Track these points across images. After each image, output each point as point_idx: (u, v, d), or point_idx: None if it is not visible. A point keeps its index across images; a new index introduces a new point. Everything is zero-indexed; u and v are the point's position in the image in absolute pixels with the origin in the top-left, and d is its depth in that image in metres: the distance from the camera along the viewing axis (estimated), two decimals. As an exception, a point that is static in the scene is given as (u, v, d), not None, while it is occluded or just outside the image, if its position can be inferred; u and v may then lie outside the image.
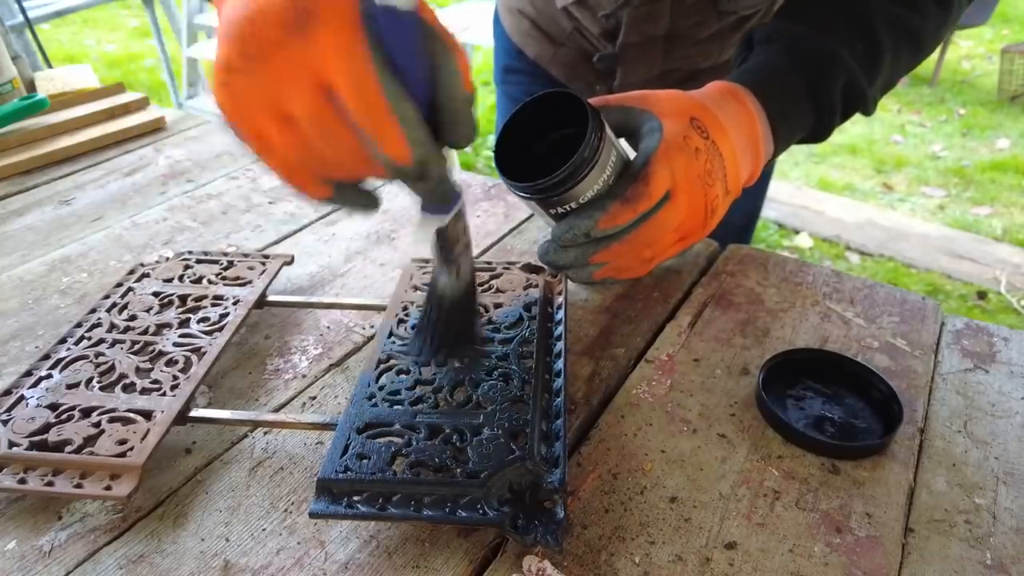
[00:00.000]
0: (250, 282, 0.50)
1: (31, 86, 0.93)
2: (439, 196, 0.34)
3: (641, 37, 0.67)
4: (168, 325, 0.46)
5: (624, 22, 0.66)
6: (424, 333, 0.40)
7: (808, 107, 0.49)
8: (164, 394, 0.40)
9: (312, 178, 0.32)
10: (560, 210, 0.43)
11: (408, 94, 0.29)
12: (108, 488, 0.34)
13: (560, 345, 0.43)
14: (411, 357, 0.41)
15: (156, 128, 0.84)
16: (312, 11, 0.28)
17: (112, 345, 0.44)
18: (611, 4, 0.65)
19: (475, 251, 0.59)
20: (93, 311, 0.48)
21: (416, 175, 0.31)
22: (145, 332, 0.45)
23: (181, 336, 0.45)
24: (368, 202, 0.35)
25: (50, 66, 2.24)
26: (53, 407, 0.39)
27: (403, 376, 0.40)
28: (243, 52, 0.29)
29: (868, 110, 0.51)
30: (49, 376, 0.41)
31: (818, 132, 0.51)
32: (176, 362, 0.42)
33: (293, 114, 0.29)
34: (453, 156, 0.35)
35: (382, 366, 0.41)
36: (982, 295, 2.02)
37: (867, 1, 0.49)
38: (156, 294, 0.49)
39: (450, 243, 0.36)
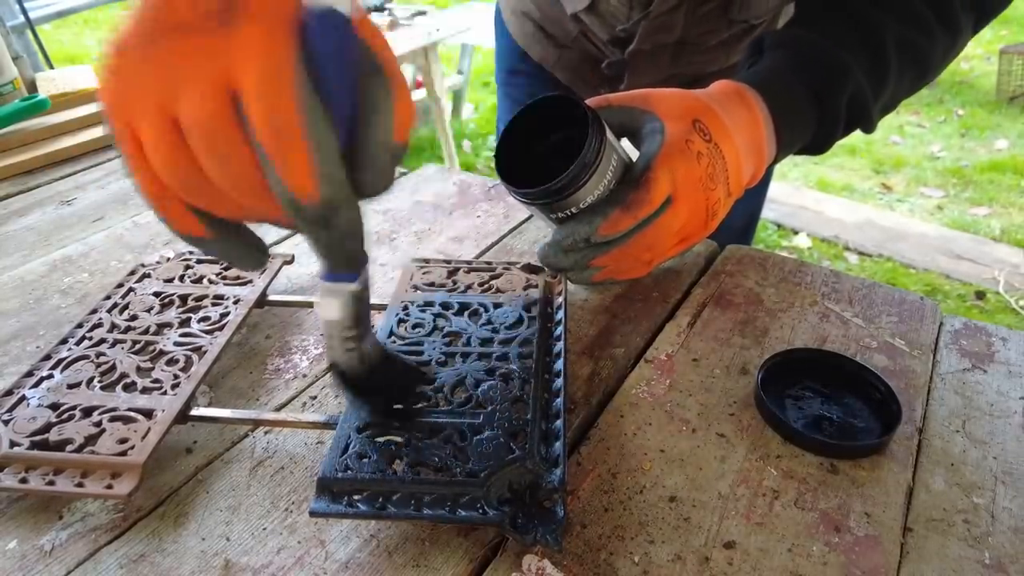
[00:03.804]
0: (250, 281, 0.50)
1: (32, 87, 0.93)
2: (344, 254, 0.28)
3: (652, 45, 0.67)
4: (169, 325, 0.46)
5: (638, 32, 0.66)
6: (358, 406, 0.37)
7: (812, 115, 0.49)
8: (165, 393, 0.40)
9: (184, 206, 0.27)
10: (561, 215, 0.43)
11: (329, 120, 0.25)
12: (109, 487, 0.34)
13: (560, 345, 0.43)
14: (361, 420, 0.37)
15: (156, 128, 0.84)
16: (241, 1, 0.23)
17: (113, 345, 0.44)
18: (626, 16, 0.65)
19: (476, 251, 0.59)
20: (94, 311, 0.48)
21: (319, 219, 0.26)
22: (146, 332, 0.45)
23: (182, 335, 0.45)
24: (250, 253, 0.29)
25: (51, 67, 2.24)
26: (54, 407, 0.39)
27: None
28: (142, 31, 0.24)
29: (870, 127, 0.51)
30: (50, 376, 0.41)
31: (819, 142, 0.51)
32: (177, 361, 0.43)
33: (183, 117, 0.24)
34: (366, 213, 0.30)
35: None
36: (980, 295, 2.02)
37: (880, 19, 0.49)
38: (157, 294, 0.49)
39: (358, 318, 0.31)
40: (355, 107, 0.26)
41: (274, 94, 0.23)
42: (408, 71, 2.71)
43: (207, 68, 0.23)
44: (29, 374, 0.42)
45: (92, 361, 0.43)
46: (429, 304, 0.47)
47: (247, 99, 0.23)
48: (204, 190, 0.26)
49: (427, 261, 0.52)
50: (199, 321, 0.46)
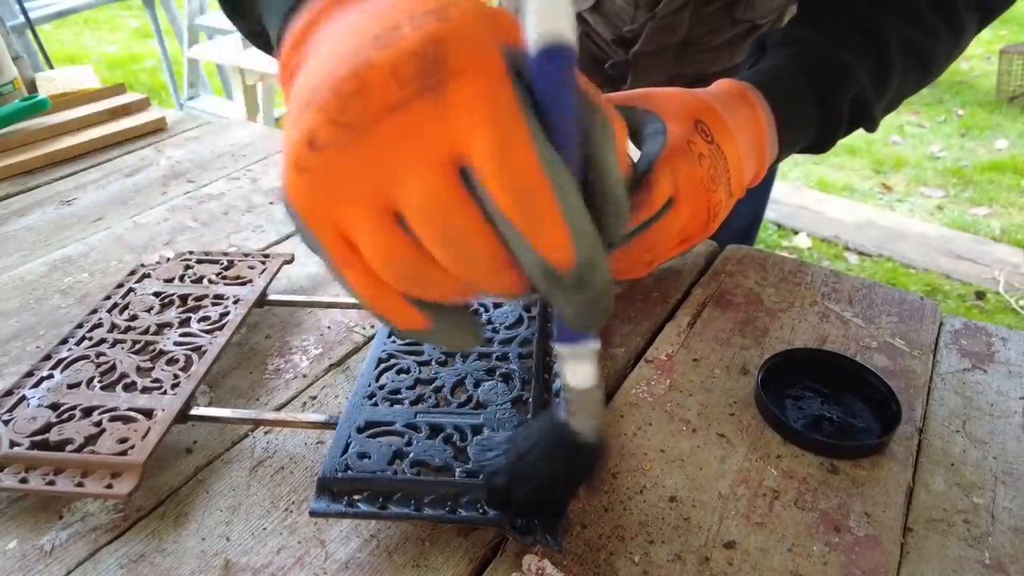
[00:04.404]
0: (250, 281, 0.50)
1: (32, 87, 0.93)
2: (598, 314, 0.24)
3: (657, 45, 0.67)
4: (169, 324, 0.46)
5: (644, 32, 0.66)
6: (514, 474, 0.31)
7: (815, 115, 0.49)
8: (165, 393, 0.40)
9: (404, 300, 0.24)
10: None
11: (569, 172, 0.21)
12: (109, 487, 0.34)
13: (560, 345, 0.43)
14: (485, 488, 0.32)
15: (157, 129, 0.84)
16: (446, 61, 0.20)
17: (113, 345, 0.44)
18: (631, 16, 0.65)
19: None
20: (94, 311, 0.48)
21: (576, 284, 0.22)
22: (146, 332, 0.45)
23: (182, 335, 0.45)
24: (474, 330, 0.26)
25: (51, 67, 2.24)
26: (54, 407, 0.39)
27: (403, 375, 0.40)
28: (339, 120, 0.20)
29: (872, 127, 0.51)
30: (50, 376, 0.41)
31: (821, 142, 0.51)
32: (177, 361, 0.43)
33: (406, 205, 0.21)
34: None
35: (382, 365, 0.41)
36: (980, 295, 2.02)
37: (883, 19, 0.48)
38: (157, 294, 0.49)
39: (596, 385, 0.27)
40: (581, 148, 0.22)
41: (511, 156, 0.20)
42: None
43: (426, 144, 0.20)
44: (29, 374, 0.42)
45: (92, 361, 0.43)
46: (429, 304, 0.47)
47: (480, 168, 0.20)
48: (432, 279, 0.23)
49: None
50: (199, 321, 0.46)
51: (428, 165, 0.21)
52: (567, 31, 0.20)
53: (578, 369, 0.26)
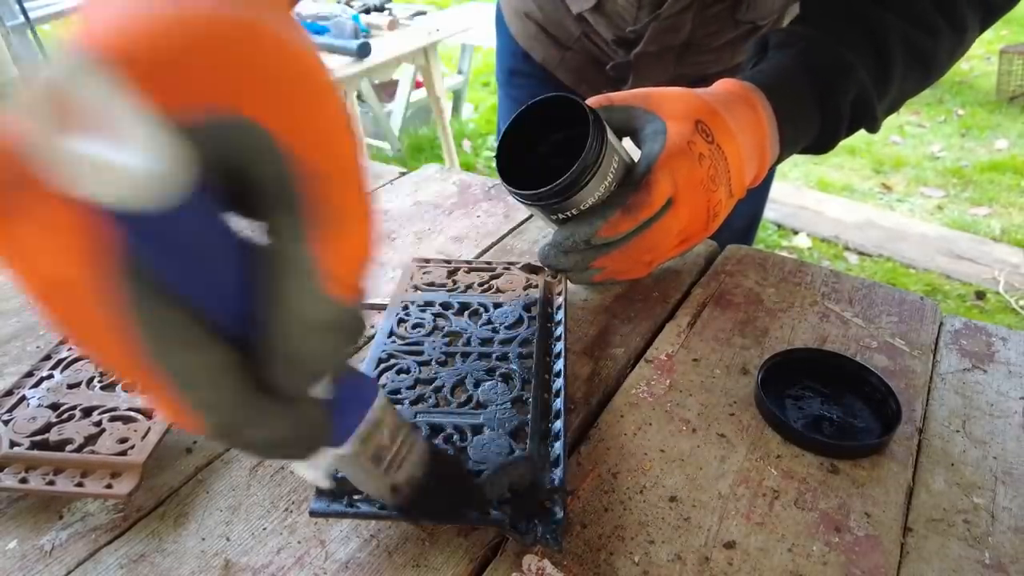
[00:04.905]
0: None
1: (31, 86, 0.93)
2: (287, 453, 0.22)
3: (659, 47, 0.67)
4: (169, 325, 0.46)
5: (647, 33, 0.66)
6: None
7: (816, 115, 0.48)
8: (165, 394, 0.40)
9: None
10: (561, 216, 0.43)
11: (194, 321, 0.18)
12: (109, 487, 0.34)
13: (560, 345, 0.43)
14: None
15: (156, 128, 0.84)
16: (24, 174, 0.15)
17: (113, 345, 0.44)
18: (634, 17, 0.65)
19: (476, 251, 0.59)
20: (94, 311, 0.48)
21: (229, 443, 0.20)
22: (146, 332, 0.45)
23: (182, 336, 0.45)
24: (295, 438, 0.22)
25: (50, 66, 2.23)
26: (54, 407, 0.39)
27: (403, 375, 0.40)
28: None
29: (874, 127, 0.51)
30: (50, 376, 0.41)
31: (822, 142, 0.51)
32: (177, 362, 0.42)
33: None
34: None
35: (382, 365, 0.41)
36: (980, 295, 2.03)
37: (884, 19, 0.48)
38: (157, 294, 0.49)
39: (377, 457, 0.28)
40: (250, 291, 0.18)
41: (85, 321, 0.17)
42: (408, 71, 2.70)
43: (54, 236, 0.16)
44: (29, 374, 0.42)
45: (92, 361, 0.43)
46: (429, 304, 0.47)
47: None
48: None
49: (427, 261, 0.52)
50: (199, 321, 0.46)
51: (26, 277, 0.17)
52: (132, 194, 0.15)
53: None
